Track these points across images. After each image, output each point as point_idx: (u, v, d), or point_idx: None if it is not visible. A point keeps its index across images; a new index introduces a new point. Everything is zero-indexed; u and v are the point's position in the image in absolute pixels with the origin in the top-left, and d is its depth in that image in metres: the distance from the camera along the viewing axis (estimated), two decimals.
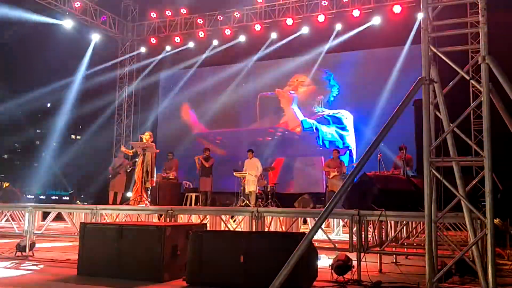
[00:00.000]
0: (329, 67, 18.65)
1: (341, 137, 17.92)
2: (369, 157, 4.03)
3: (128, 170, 14.72)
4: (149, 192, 12.57)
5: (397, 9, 15.92)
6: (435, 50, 4.06)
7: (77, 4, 17.13)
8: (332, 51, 18.09)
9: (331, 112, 18.41)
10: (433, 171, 3.97)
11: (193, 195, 14.75)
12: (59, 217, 11.17)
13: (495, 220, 10.22)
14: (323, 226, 9.12)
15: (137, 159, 12.13)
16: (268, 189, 15.21)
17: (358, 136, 17.64)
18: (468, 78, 3.99)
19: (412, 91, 4.07)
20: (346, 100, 18.22)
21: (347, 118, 18.07)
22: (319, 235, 9.15)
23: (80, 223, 6.60)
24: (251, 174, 14.45)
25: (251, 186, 14.42)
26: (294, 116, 19.04)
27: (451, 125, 4.03)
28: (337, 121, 18.21)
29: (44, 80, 18.83)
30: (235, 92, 19.53)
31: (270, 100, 19.29)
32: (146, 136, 12.16)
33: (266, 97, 19.27)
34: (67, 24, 17.54)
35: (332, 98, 18.60)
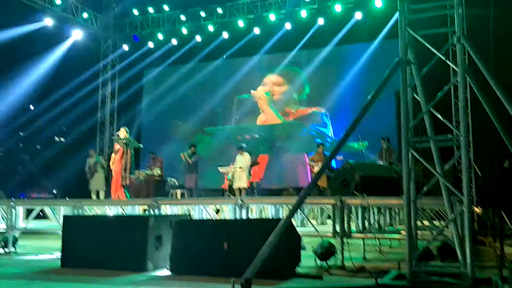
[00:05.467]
0: (301, 65, 18.73)
1: (321, 134, 17.98)
2: (346, 138, 4.07)
3: (104, 167, 14.65)
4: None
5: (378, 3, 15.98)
6: (412, 32, 4.12)
7: (58, 1, 16.96)
8: (306, 47, 18.15)
9: (308, 110, 18.50)
10: (411, 150, 4.03)
11: (178, 191, 14.71)
12: (43, 217, 11.07)
13: (476, 209, 10.39)
14: (308, 215, 9.20)
15: (113, 154, 11.96)
16: (254, 185, 15.22)
17: (336, 131, 17.76)
18: (443, 58, 4.07)
19: (390, 74, 4.13)
20: (319, 98, 18.28)
21: (323, 115, 18.18)
22: (304, 224, 9.22)
23: (63, 216, 6.57)
24: (236, 168, 14.35)
25: (240, 182, 14.25)
26: (274, 116, 19.11)
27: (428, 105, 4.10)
28: (315, 119, 18.32)
29: (25, 81, 18.57)
30: (214, 91, 19.62)
31: (247, 102, 19.35)
32: (123, 132, 11.97)
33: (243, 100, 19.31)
34: (48, 22, 17.36)
35: (305, 97, 18.72)
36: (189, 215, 7.07)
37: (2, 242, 7.86)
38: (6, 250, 7.79)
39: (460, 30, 3.96)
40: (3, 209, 8.66)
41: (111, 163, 11.93)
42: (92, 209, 8.48)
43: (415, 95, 4.25)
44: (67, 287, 4.93)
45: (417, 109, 4.40)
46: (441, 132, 4.45)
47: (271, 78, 19.22)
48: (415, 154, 4.01)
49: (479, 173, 8.92)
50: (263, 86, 19.27)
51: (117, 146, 11.88)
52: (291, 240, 5.11)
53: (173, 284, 5.05)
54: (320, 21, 16.95)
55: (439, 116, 4.16)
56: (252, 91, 19.19)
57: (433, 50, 4.06)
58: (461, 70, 3.93)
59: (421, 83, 4.19)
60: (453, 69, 4.33)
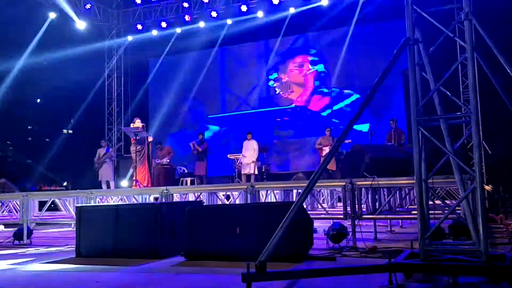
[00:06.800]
0: (313, 46, 18.61)
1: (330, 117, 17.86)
2: (355, 121, 4.06)
3: (113, 158, 14.81)
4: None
5: None
6: (419, 10, 4.09)
7: None
8: (318, 29, 18.02)
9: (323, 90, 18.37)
10: (422, 129, 4.02)
11: (188, 179, 14.85)
12: (56, 209, 11.23)
13: (487, 186, 10.38)
14: (320, 200, 9.22)
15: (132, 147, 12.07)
16: (263, 170, 15.28)
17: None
18: (452, 35, 4.03)
19: (397, 53, 4.10)
20: (332, 79, 18.13)
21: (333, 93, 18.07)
22: (315, 208, 9.27)
23: (76, 206, 6.63)
24: (245, 156, 14.46)
25: (249, 168, 14.35)
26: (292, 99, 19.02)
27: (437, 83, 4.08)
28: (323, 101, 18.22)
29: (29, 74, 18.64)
30: (220, 78, 19.58)
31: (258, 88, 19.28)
32: (137, 123, 12.08)
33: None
34: (52, 15, 17.38)
35: (320, 77, 18.59)
36: (202, 201, 7.12)
37: (17, 234, 7.97)
38: (22, 242, 7.90)
39: (468, 6, 3.92)
40: (17, 202, 8.77)
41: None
42: (105, 200, 8.55)
43: (423, 74, 4.22)
44: (85, 276, 5.00)
45: (425, 88, 4.37)
46: (449, 111, 4.42)
47: (288, 63, 19.08)
48: (426, 133, 4.00)
49: (488, 151, 8.89)
50: (278, 72, 19.14)
51: (131, 137, 12.00)
52: (303, 224, 5.14)
53: (188, 270, 5.11)
54: (324, 1, 16.77)
55: (448, 94, 4.14)
56: (280, 74, 19.01)
57: (440, 27, 4.03)
58: (470, 46, 3.90)
59: (429, 61, 4.16)
60: (460, 46, 4.28)
